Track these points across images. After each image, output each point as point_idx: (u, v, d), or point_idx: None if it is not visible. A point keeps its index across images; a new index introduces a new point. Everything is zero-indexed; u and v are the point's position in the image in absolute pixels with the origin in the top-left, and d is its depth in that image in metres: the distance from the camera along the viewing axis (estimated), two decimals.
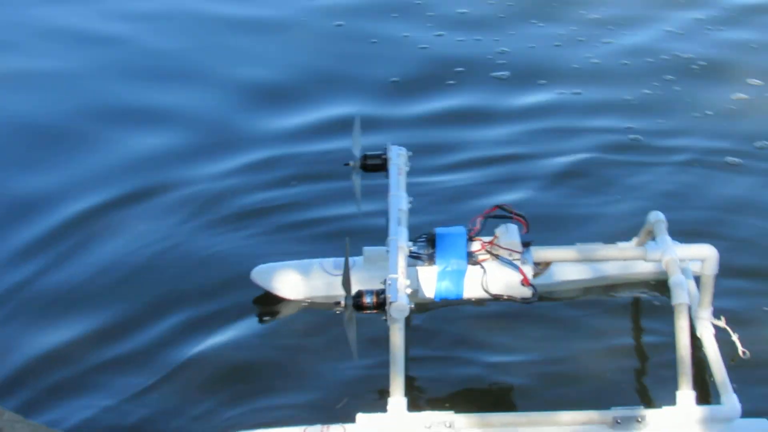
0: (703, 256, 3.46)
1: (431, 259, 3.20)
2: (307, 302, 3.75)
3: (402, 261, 3.09)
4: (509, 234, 3.28)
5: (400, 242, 3.17)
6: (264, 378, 3.46)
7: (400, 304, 2.87)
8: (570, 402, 3.21)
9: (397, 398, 3.04)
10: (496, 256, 3.24)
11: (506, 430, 3.06)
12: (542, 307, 3.67)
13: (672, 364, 3.36)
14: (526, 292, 3.21)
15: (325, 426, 3.11)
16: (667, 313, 3.42)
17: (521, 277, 3.21)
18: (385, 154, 3.61)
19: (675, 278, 3.27)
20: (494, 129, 4.92)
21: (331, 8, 6.12)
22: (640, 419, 3.10)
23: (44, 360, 3.55)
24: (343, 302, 2.94)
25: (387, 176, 3.57)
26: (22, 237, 4.13)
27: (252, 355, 3.57)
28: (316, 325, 3.66)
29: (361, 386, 3.40)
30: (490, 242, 3.28)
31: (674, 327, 3.21)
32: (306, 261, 3.84)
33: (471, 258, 3.22)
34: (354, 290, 2.97)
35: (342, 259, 3.74)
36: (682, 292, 3.21)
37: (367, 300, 2.94)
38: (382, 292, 2.94)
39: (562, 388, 3.39)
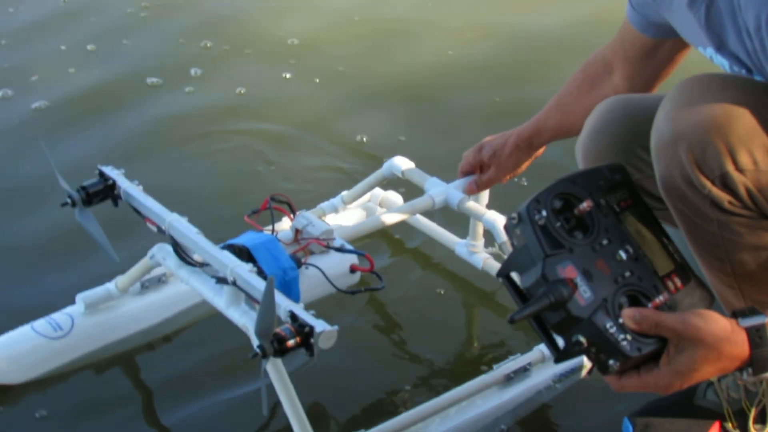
0: None
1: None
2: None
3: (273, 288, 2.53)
4: (313, 223, 2.85)
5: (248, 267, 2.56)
6: None
7: (330, 332, 2.29)
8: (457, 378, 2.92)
9: None
10: (312, 252, 2.83)
11: (422, 425, 2.69)
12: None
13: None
14: (375, 279, 2.83)
15: None
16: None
17: (360, 264, 2.85)
18: (105, 177, 2.77)
19: (489, 215, 3.06)
20: None
21: None
22: (528, 367, 2.91)
23: None
24: (261, 351, 2.30)
25: (115, 204, 2.78)
26: None
27: None
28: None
29: None
30: (297, 240, 2.87)
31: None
32: (13, 333, 2.91)
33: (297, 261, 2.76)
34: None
35: (57, 314, 2.93)
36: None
37: (290, 340, 2.30)
38: (301, 326, 2.34)
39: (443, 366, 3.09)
